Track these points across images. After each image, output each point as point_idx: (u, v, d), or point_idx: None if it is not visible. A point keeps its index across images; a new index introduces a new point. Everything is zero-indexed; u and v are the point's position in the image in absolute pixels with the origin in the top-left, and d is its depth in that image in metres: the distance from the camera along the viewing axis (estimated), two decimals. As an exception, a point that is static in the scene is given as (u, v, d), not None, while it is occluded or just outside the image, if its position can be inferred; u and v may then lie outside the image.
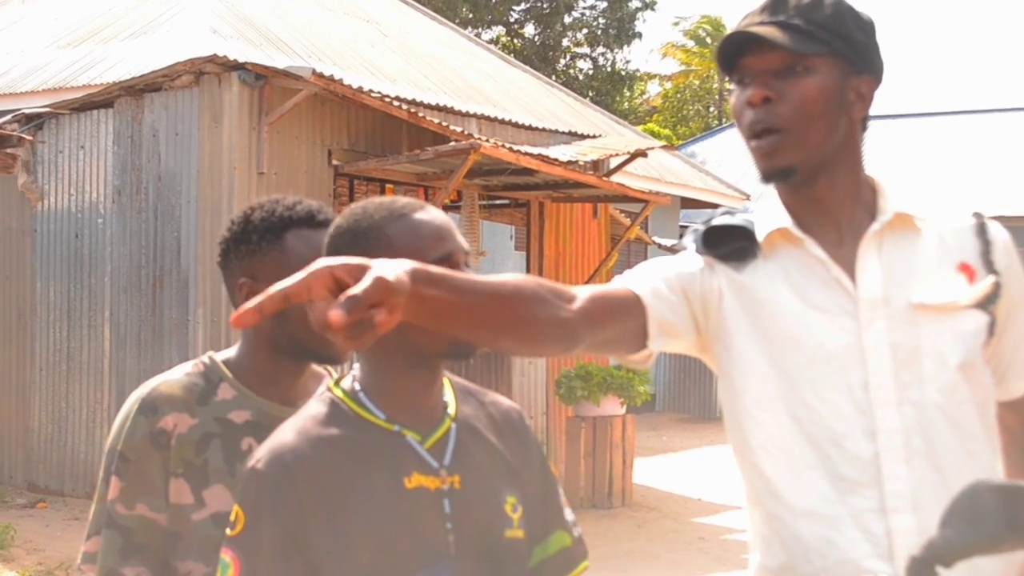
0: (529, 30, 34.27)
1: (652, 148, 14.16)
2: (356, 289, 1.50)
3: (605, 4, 33.21)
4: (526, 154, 10.67)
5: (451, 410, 2.09)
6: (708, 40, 42.76)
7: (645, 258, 21.04)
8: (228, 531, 1.98)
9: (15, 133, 11.11)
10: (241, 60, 10.25)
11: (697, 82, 44.18)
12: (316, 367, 2.53)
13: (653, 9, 33.77)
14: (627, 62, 35.44)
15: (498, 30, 33.81)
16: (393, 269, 1.55)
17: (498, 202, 13.32)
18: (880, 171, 2.17)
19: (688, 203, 21.96)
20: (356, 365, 2.08)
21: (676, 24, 44.58)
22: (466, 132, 11.20)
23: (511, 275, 1.87)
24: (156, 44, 12.20)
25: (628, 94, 38.61)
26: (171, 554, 2.39)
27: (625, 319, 2.03)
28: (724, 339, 2.10)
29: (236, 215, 2.46)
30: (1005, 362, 2.14)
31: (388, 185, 11.35)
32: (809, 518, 2.01)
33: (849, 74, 2.06)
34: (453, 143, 10.28)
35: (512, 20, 33.77)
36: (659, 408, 20.98)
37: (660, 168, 19.56)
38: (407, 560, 1.95)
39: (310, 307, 1.53)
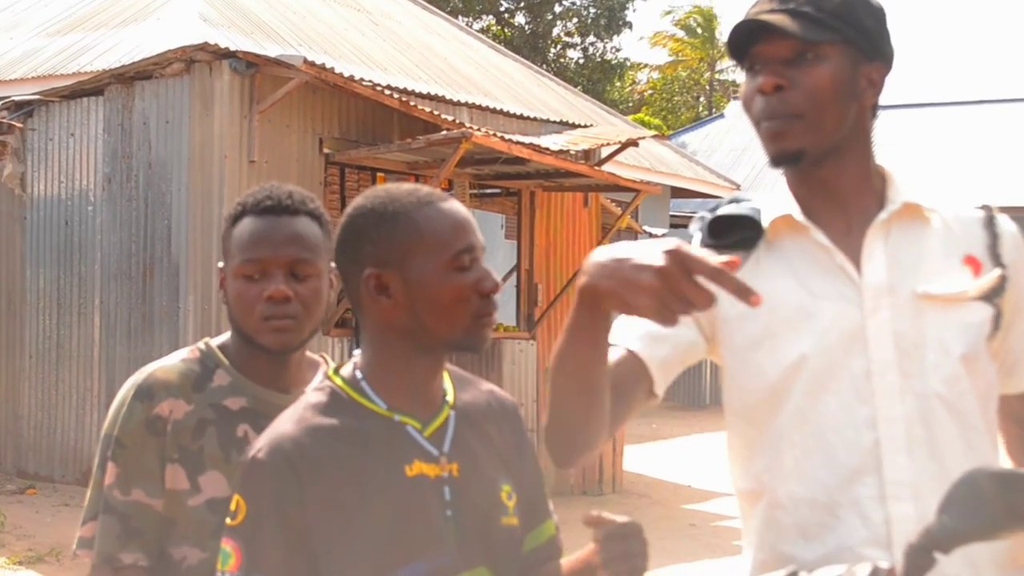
0: (520, 19, 34.25)
1: (643, 137, 14.15)
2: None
3: (595, -7, 33.23)
4: (517, 143, 10.66)
5: (450, 398, 2.10)
6: (699, 30, 42.78)
7: (635, 247, 21.06)
8: (229, 521, 1.98)
9: (4, 120, 11.08)
10: (232, 48, 10.23)
11: (686, 72, 44.20)
12: (309, 354, 2.53)
13: (644, -2, 33.85)
14: (617, 51, 35.41)
15: (489, 19, 33.77)
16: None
17: (489, 191, 13.31)
18: (890, 160, 2.17)
19: (678, 192, 21.99)
20: (357, 352, 2.08)
21: (667, 14, 44.47)
22: (457, 121, 11.19)
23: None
24: (147, 32, 12.17)
25: (618, 84, 38.61)
26: (166, 540, 2.40)
27: (636, 385, 2.05)
28: (727, 336, 2.10)
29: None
30: (1014, 355, 2.13)
31: (379, 174, 11.33)
32: (809, 506, 2.01)
33: (860, 61, 2.05)
34: (444, 132, 10.27)
35: (503, 9, 33.74)
36: (649, 397, 20.98)
37: (651, 158, 19.57)
38: (409, 548, 1.96)
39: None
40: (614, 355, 2.02)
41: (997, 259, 2.07)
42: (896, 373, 1.99)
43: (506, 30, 33.63)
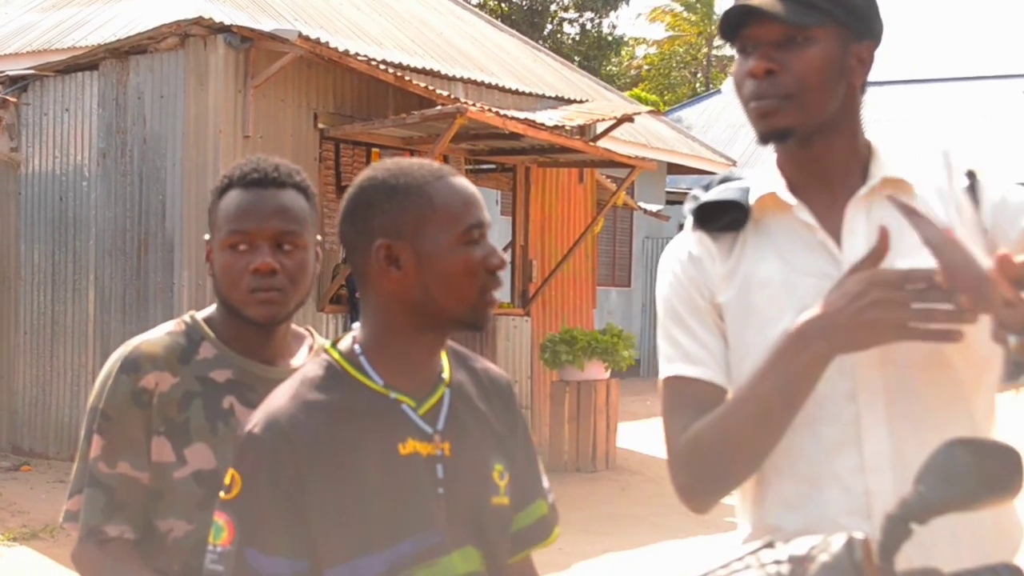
0: (517, -6, 34.12)
1: (639, 113, 14.13)
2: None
3: (593, -32, 33.11)
4: (512, 118, 10.65)
5: (445, 375, 2.10)
6: (697, 5, 42.64)
7: (631, 223, 21.07)
8: (223, 494, 1.98)
9: (-1, 95, 11.06)
10: (227, 23, 10.20)
11: (684, 48, 44.09)
12: (295, 327, 2.54)
13: (641, -27, 33.71)
14: (614, 27, 35.31)
15: (486, -6, 33.67)
16: None
17: (484, 167, 13.31)
18: (883, 135, 2.16)
19: (675, 168, 21.95)
20: (355, 324, 2.09)
21: (665, -11, 44.32)
22: (452, 96, 11.17)
23: None
24: (141, 6, 12.12)
25: (615, 59, 38.53)
26: (153, 512, 2.40)
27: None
28: (727, 320, 2.12)
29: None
30: None
31: (374, 149, 11.32)
32: (793, 478, 2.03)
33: (849, 40, 2.05)
34: (439, 107, 10.25)
35: (500, -16, 33.62)
36: (644, 374, 21.03)
37: (647, 133, 19.53)
38: (400, 525, 1.96)
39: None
40: (688, 391, 2.09)
41: (979, 226, 2.06)
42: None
43: (503, 5, 33.52)
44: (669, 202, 22.26)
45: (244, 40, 10.02)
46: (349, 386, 2.01)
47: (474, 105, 10.42)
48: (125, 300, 10.57)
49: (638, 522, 9.47)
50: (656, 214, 19.23)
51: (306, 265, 2.41)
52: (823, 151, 2.08)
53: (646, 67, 44.26)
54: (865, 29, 2.07)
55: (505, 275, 12.62)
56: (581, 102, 13.99)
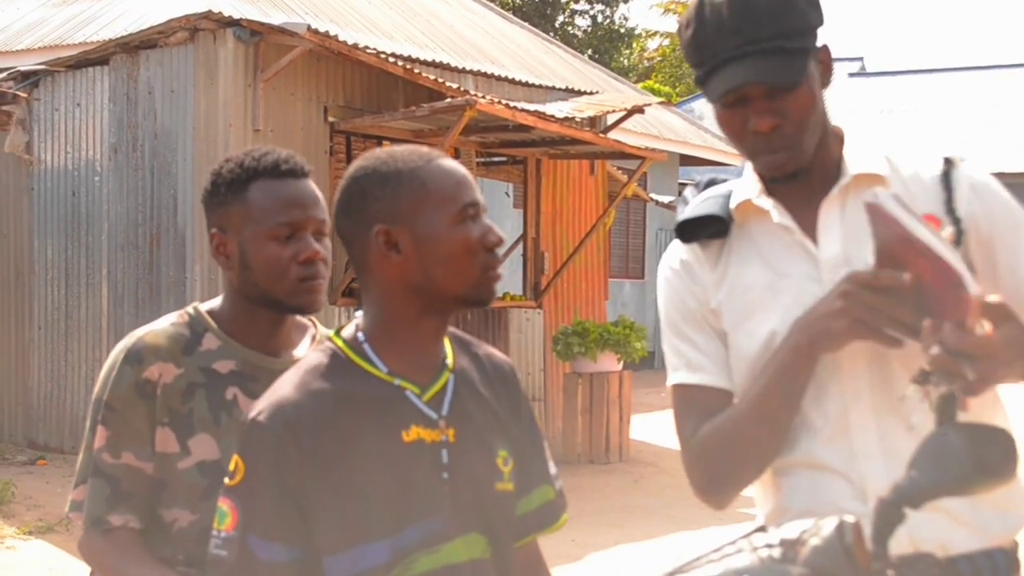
0: (528, -14, 34.08)
1: (649, 104, 14.12)
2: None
3: (604, -40, 33.05)
4: (522, 110, 10.64)
5: (449, 361, 2.11)
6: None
7: (644, 215, 21.04)
8: (227, 481, 2.00)
9: (10, 91, 11.09)
10: (236, 16, 10.21)
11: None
12: (299, 318, 2.55)
13: (653, -36, 33.64)
14: (625, 19, 35.25)
15: (497, -13, 33.63)
16: None
17: (495, 159, 13.30)
18: (850, 124, 2.18)
19: (687, 160, 21.92)
20: (358, 313, 2.10)
21: (677, -20, 44.20)
22: (462, 89, 11.17)
23: None
24: (151, 1, 12.14)
25: (627, 51, 38.44)
26: (157, 502, 2.42)
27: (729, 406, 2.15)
28: (723, 324, 2.17)
29: (213, 168, 2.49)
30: (1021, 296, 2.06)
31: (384, 142, 11.32)
32: (798, 467, 2.09)
33: (815, 55, 2.08)
34: (449, 99, 10.26)
35: (511, -23, 33.58)
36: (658, 366, 21.01)
37: (659, 125, 19.50)
38: (404, 512, 1.98)
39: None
40: (694, 396, 2.16)
41: (952, 214, 2.07)
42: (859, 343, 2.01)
43: (515, -2, 33.49)
44: (681, 194, 22.20)
45: (254, 34, 10.03)
46: (353, 374, 2.02)
47: (484, 97, 10.42)
48: (138, 294, 10.60)
49: (651, 514, 9.48)
50: (668, 205, 19.18)
51: (331, 253, 2.45)
52: (810, 165, 2.11)
53: (659, 59, 44.17)
54: (818, 35, 2.10)
55: (517, 267, 12.60)
56: (592, 94, 13.98)
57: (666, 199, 19.18)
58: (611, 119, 13.68)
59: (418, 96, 10.97)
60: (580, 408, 11.62)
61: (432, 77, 10.98)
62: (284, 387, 2.01)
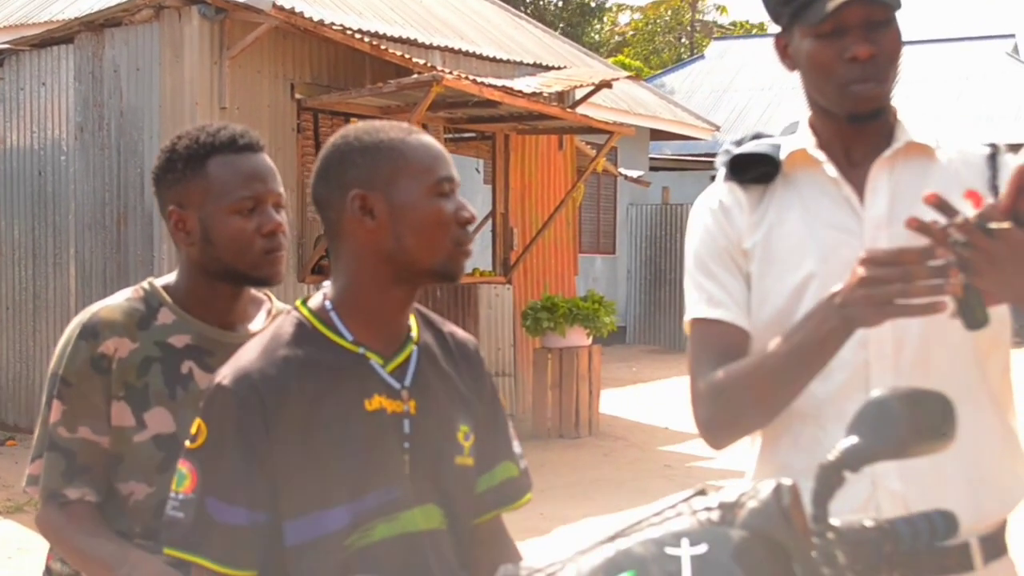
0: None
1: (616, 79, 14.11)
2: None
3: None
4: (489, 85, 10.64)
5: (414, 335, 2.14)
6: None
7: (615, 190, 21.06)
8: (188, 443, 2.02)
9: (-25, 70, 11.02)
10: (201, -7, 10.15)
11: (669, 12, 43.98)
12: (255, 292, 2.56)
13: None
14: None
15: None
16: None
17: (464, 135, 13.29)
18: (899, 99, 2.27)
19: (658, 135, 21.95)
20: (326, 283, 2.12)
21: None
22: (429, 64, 11.15)
23: None
24: (116, -22, 12.08)
25: (599, 26, 38.43)
26: (113, 476, 2.44)
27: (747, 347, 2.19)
28: (751, 268, 2.22)
29: (164, 144, 2.50)
30: None
31: (352, 119, 11.29)
32: (803, 419, 2.14)
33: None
34: (416, 75, 10.24)
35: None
36: (629, 340, 21.09)
37: (628, 99, 19.52)
38: (364, 479, 2.00)
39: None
40: (711, 332, 2.20)
41: (996, 191, 2.14)
42: None
43: (484, -26, 33.38)
44: (652, 168, 22.25)
45: (219, 11, 9.98)
46: (318, 342, 2.05)
47: (451, 73, 10.41)
48: (106, 273, 10.57)
49: (620, 486, 9.52)
50: (637, 180, 19.23)
51: (288, 226, 2.49)
52: (879, 122, 2.19)
53: (631, 32, 44.16)
54: None
55: (487, 243, 12.57)
56: (560, 68, 13.97)
57: (635, 174, 19.21)
58: (579, 94, 13.68)
59: (386, 72, 10.95)
60: (550, 383, 11.65)
61: (399, 53, 10.96)
62: (249, 354, 2.04)
